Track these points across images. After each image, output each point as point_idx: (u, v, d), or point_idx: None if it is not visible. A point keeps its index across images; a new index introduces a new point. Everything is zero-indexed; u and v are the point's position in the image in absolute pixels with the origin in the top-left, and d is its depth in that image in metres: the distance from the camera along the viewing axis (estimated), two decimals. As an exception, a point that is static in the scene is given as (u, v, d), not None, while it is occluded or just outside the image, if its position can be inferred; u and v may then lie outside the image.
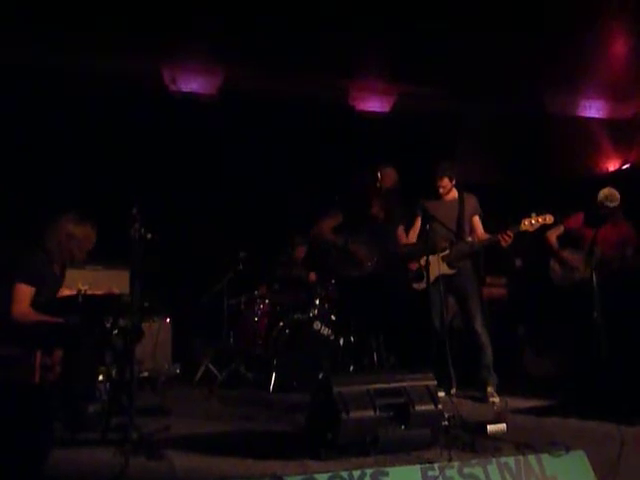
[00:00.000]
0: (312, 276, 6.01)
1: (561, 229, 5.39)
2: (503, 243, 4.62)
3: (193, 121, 6.53)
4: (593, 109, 8.03)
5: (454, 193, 4.99)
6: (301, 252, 6.30)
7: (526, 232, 4.60)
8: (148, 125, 6.38)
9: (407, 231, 5.03)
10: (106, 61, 6.28)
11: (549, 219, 4.60)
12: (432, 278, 4.52)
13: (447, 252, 4.79)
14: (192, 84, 6.84)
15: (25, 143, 5.96)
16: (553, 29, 6.01)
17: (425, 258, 4.39)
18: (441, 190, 4.93)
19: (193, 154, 6.52)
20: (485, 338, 4.74)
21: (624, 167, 7.87)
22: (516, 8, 5.66)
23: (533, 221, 4.57)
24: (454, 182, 4.96)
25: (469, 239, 4.82)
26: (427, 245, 4.50)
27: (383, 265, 4.92)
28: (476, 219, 4.97)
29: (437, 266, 4.69)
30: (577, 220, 5.39)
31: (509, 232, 4.57)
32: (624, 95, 7.75)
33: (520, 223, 4.57)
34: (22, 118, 5.95)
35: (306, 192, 6.55)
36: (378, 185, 4.93)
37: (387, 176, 4.95)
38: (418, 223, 4.95)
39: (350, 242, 4.70)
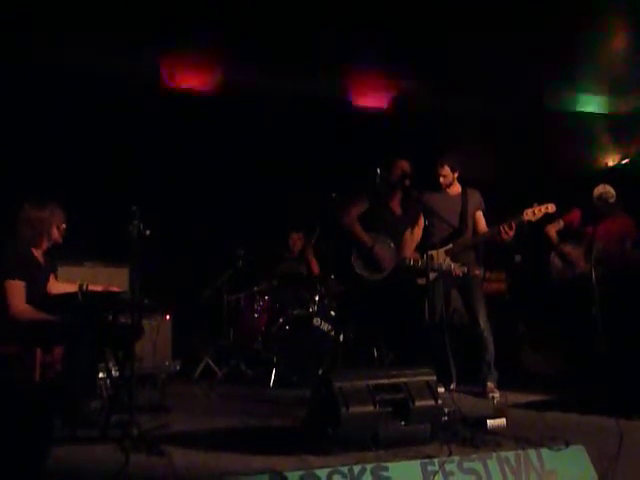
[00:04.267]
0: (315, 268, 6.01)
1: (561, 224, 5.40)
2: (505, 237, 4.58)
3: (192, 118, 6.53)
4: (592, 104, 8.03)
5: (457, 187, 4.95)
6: (297, 240, 6.26)
7: (529, 222, 4.58)
8: (147, 122, 6.37)
9: (412, 229, 5.01)
10: (105, 58, 6.29)
11: (551, 208, 4.57)
12: (435, 274, 4.53)
13: (450, 245, 4.78)
14: (191, 81, 6.83)
15: (22, 140, 5.95)
16: (552, 24, 6.00)
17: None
18: (442, 179, 4.86)
19: (192, 151, 6.51)
20: (488, 334, 4.72)
21: (623, 162, 7.88)
22: (515, 4, 5.66)
23: (535, 210, 4.54)
24: (456, 174, 4.91)
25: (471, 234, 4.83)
26: (428, 241, 4.50)
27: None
28: (479, 214, 4.94)
29: (440, 260, 4.69)
30: (575, 216, 5.40)
31: (512, 222, 4.54)
32: (623, 90, 7.75)
33: (523, 213, 4.55)
34: (19, 115, 5.93)
35: (305, 188, 6.55)
36: (395, 178, 4.85)
37: (398, 168, 4.90)
38: (422, 220, 4.92)
39: (377, 245, 4.65)
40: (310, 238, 6.24)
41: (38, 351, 3.69)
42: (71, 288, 4.02)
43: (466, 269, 4.62)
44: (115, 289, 4.09)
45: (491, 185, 5.54)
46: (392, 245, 4.73)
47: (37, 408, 3.01)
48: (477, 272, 4.72)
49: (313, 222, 6.13)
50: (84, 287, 3.95)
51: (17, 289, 3.74)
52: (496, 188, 5.88)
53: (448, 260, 4.72)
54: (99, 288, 4.05)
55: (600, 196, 5.17)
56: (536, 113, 7.59)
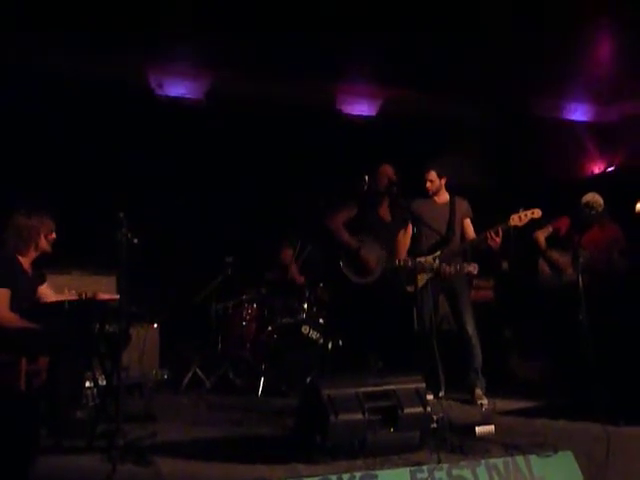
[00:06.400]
0: (301, 279, 6.00)
1: (549, 230, 5.44)
2: (492, 244, 4.60)
3: (180, 125, 6.52)
4: (578, 112, 8.11)
5: (445, 196, 4.97)
6: (287, 254, 6.25)
7: (515, 227, 4.60)
8: (135, 130, 6.35)
9: (404, 233, 5.00)
10: (93, 65, 6.27)
11: (537, 213, 4.59)
12: (423, 280, 4.54)
13: (438, 253, 4.79)
14: (179, 88, 6.83)
15: (10, 147, 5.91)
16: (539, 33, 6.06)
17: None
18: (428, 185, 4.87)
19: (180, 158, 6.50)
20: (475, 341, 4.74)
21: (609, 170, 7.95)
22: (503, 13, 5.71)
23: (522, 216, 4.55)
24: (443, 181, 4.93)
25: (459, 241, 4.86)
26: (415, 248, 4.52)
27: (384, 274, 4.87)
28: (467, 222, 4.97)
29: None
30: (563, 223, 5.44)
31: (499, 229, 4.56)
32: (609, 99, 7.83)
33: (509, 219, 4.56)
34: (6, 120, 5.89)
35: (292, 196, 6.55)
36: (382, 185, 4.88)
37: (383, 174, 4.92)
38: (410, 228, 4.93)
39: (363, 248, 4.66)
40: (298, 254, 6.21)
41: (23, 360, 3.66)
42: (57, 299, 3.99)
43: (458, 266, 4.61)
44: (106, 296, 4.05)
45: (477, 192, 5.58)
46: (380, 248, 4.74)
47: (22, 417, 2.98)
48: (470, 268, 4.67)
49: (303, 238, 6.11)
50: (83, 296, 3.91)
51: (1, 296, 3.71)
52: (484, 195, 5.93)
53: (438, 261, 4.72)
54: (107, 296, 4.03)
55: (587, 204, 5.21)
56: (523, 120, 7.65)
